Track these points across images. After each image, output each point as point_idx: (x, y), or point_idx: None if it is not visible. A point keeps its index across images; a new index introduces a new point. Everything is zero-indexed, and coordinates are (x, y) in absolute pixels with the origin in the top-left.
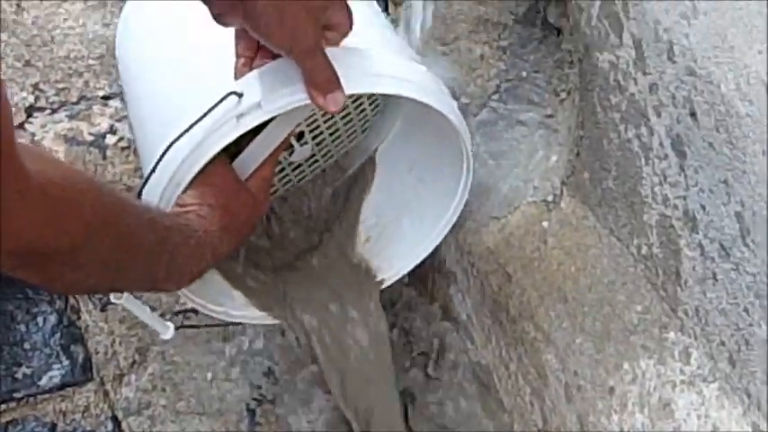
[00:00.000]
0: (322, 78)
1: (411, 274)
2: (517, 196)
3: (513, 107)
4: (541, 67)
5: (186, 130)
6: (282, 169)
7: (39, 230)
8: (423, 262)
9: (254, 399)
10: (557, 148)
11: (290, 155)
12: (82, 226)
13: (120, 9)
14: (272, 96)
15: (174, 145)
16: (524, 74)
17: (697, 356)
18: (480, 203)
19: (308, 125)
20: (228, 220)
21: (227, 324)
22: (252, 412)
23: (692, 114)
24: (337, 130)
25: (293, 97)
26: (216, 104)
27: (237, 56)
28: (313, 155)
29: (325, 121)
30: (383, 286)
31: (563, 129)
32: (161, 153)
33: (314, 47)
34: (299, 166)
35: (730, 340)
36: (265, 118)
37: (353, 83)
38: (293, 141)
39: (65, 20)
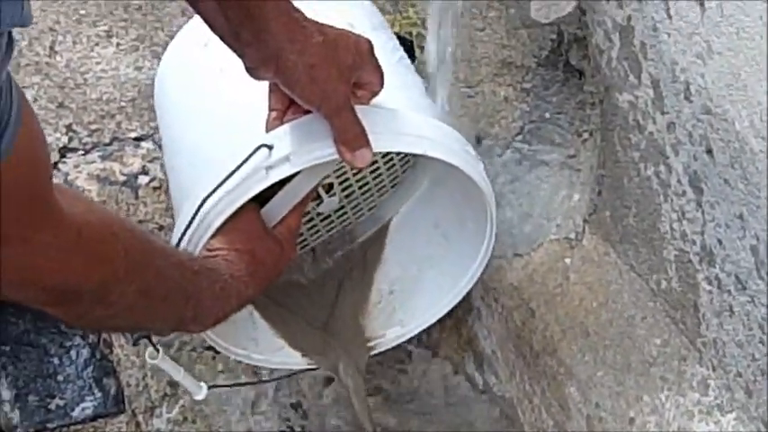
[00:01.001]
0: (350, 135)
1: None
2: (540, 234)
3: (537, 148)
4: (564, 109)
5: (220, 184)
6: (311, 219)
7: (71, 270)
8: None
9: (283, 431)
10: (579, 187)
11: (318, 205)
12: (113, 268)
13: (152, 54)
14: (300, 150)
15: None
16: (547, 115)
17: (715, 387)
18: (504, 241)
19: (337, 177)
20: (255, 266)
21: (256, 383)
22: None
23: (709, 151)
24: (366, 183)
25: (322, 152)
26: (248, 158)
27: (270, 109)
28: (342, 207)
29: (354, 174)
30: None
31: (585, 168)
32: (197, 206)
33: (343, 104)
34: (329, 217)
35: (747, 371)
36: (293, 171)
37: (381, 141)
38: (322, 193)
39: (97, 63)
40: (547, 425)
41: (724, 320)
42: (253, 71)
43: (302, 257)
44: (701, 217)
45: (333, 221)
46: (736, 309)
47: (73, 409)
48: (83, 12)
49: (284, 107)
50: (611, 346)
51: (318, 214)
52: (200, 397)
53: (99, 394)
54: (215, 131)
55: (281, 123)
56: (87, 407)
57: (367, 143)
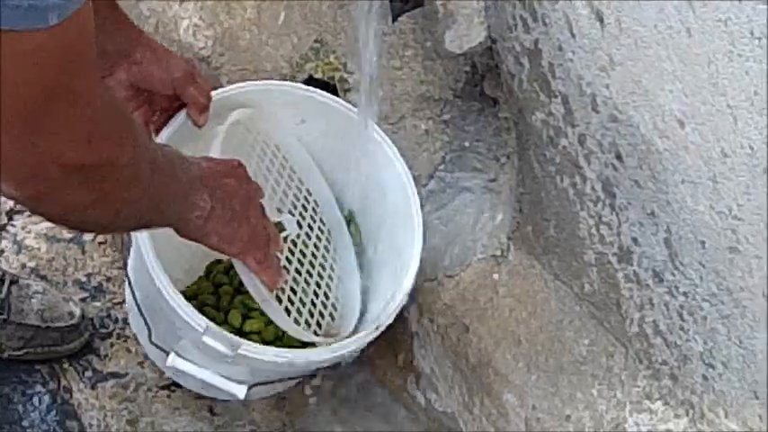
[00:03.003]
0: (203, 100)
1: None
2: (468, 254)
3: (459, 175)
4: (482, 136)
5: None
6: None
7: (98, 141)
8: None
9: None
10: (501, 207)
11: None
12: (131, 144)
13: None
14: None
15: None
16: (467, 144)
17: (642, 378)
18: (435, 264)
19: None
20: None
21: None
22: None
23: (618, 157)
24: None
25: None
26: None
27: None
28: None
29: None
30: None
31: (505, 189)
32: None
33: (192, 74)
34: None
35: (671, 358)
36: None
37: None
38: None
39: None
40: None
41: (645, 314)
42: (113, 68)
43: None
44: (616, 219)
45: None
46: (655, 301)
47: None
48: None
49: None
50: (543, 351)
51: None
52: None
53: None
54: None
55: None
56: None
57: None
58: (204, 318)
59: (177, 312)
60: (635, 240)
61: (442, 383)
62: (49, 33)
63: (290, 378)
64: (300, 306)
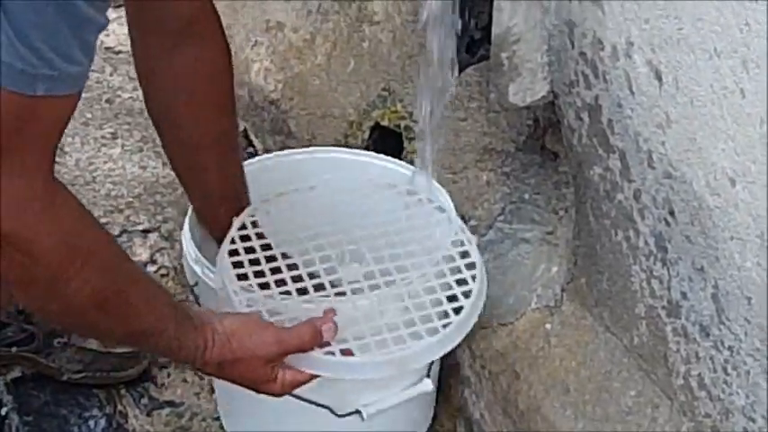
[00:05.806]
0: None
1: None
2: (523, 304)
3: (517, 227)
4: (541, 190)
5: None
6: None
7: (22, 217)
8: (442, 368)
9: None
10: (557, 259)
11: None
12: (61, 244)
13: (156, 154)
14: None
15: None
16: (526, 196)
17: (686, 430)
18: (490, 312)
19: None
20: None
21: None
22: None
23: (671, 213)
24: None
25: None
26: None
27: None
28: None
29: None
30: None
31: (562, 242)
32: None
33: None
34: None
35: (714, 411)
36: None
37: None
38: None
39: (105, 162)
40: None
41: (691, 367)
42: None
43: None
44: (667, 273)
45: None
46: (701, 355)
47: None
48: (89, 115)
49: None
50: (591, 400)
51: None
52: None
53: None
54: None
55: None
56: None
57: None
58: None
59: None
60: (684, 295)
61: (490, 429)
62: (31, 101)
63: None
64: None
